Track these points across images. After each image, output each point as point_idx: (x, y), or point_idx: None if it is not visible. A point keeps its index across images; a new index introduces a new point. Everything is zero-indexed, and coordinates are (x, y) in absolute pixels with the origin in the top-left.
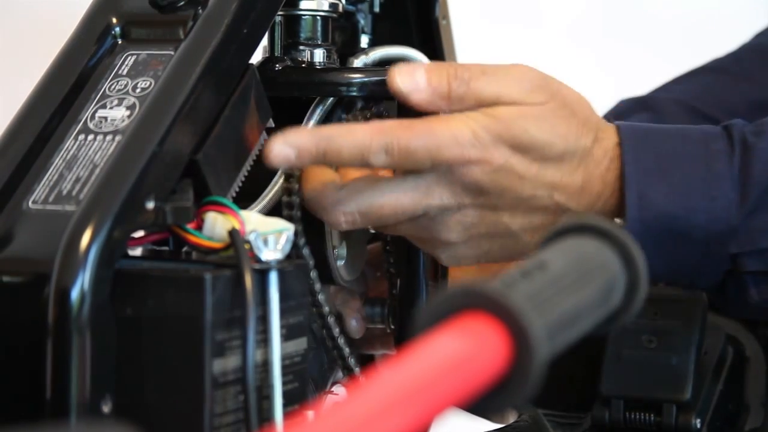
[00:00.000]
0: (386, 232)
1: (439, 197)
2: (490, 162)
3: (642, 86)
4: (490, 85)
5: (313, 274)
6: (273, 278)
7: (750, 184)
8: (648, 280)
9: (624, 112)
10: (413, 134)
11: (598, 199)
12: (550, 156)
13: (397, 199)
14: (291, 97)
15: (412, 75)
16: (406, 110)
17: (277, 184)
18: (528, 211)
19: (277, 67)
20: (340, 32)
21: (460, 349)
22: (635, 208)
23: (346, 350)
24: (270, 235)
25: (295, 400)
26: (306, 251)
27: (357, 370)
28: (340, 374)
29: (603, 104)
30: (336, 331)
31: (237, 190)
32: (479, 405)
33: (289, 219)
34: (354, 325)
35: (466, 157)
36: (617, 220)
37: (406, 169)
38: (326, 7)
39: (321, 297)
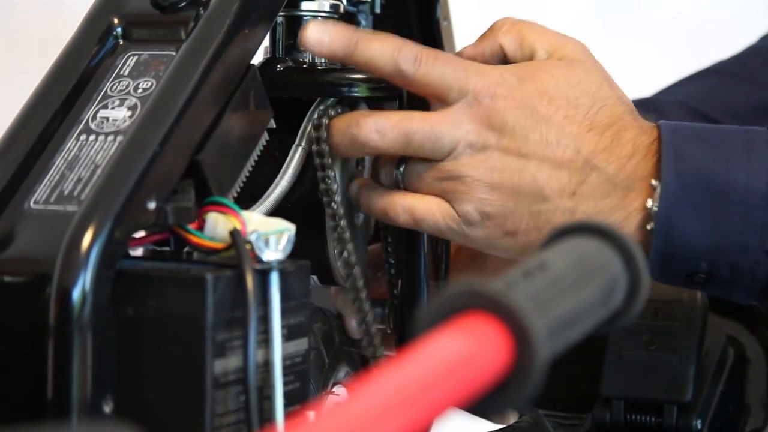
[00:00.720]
0: (412, 184)
1: (465, 131)
2: (515, 98)
3: (643, 86)
4: (532, 30)
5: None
6: (274, 278)
7: None
8: (650, 281)
9: None
10: (443, 55)
11: (629, 160)
12: (578, 107)
13: (427, 122)
14: (292, 98)
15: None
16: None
17: (279, 185)
18: (554, 163)
19: (279, 67)
20: None
21: (460, 350)
22: (672, 162)
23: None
24: (271, 236)
25: (296, 400)
26: (337, 198)
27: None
28: (341, 374)
29: None
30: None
31: (238, 190)
32: (480, 405)
33: (322, 167)
34: (354, 325)
35: (491, 90)
36: (653, 182)
37: (433, 88)
38: (327, 8)
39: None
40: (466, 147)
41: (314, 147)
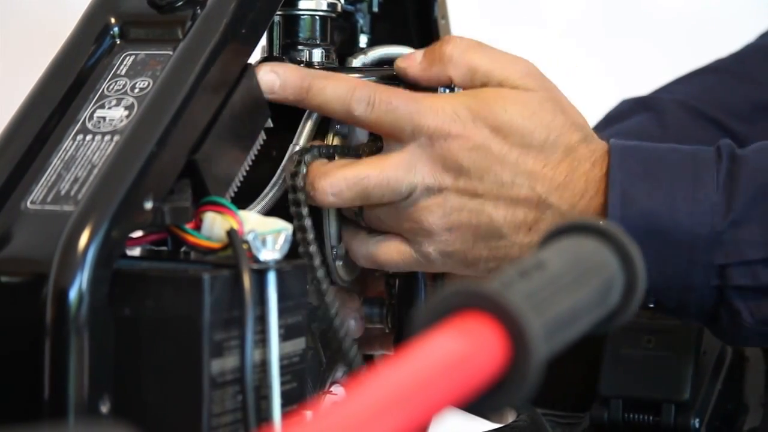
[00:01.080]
0: (373, 225)
1: (421, 175)
2: (469, 138)
3: (643, 85)
4: (483, 59)
5: (321, 273)
6: (271, 278)
7: (736, 193)
8: (646, 280)
9: (625, 111)
10: (396, 94)
11: (582, 198)
12: (532, 143)
13: (382, 171)
14: None
15: (410, 55)
16: None
17: (277, 184)
18: (510, 202)
19: None
20: (339, 32)
21: (458, 349)
22: (618, 205)
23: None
24: (268, 235)
25: (293, 400)
26: (313, 248)
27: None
28: (338, 374)
29: (604, 103)
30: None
31: (235, 190)
32: (477, 405)
33: (298, 216)
34: (352, 325)
35: (445, 130)
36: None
37: (386, 130)
38: (325, 7)
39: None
40: (423, 190)
41: (290, 195)
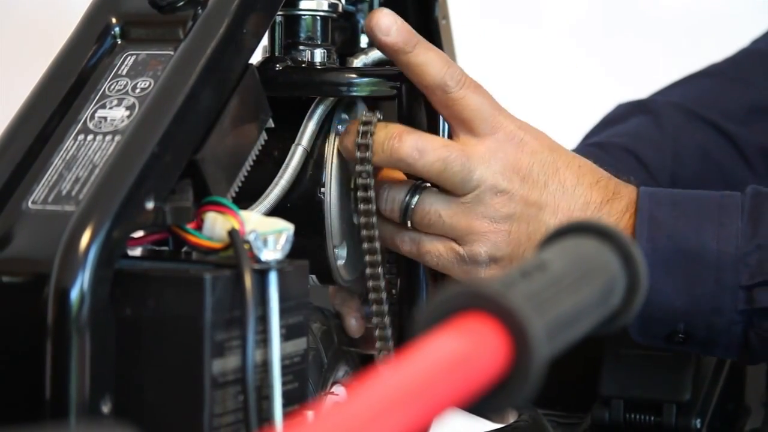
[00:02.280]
0: (423, 225)
1: (493, 170)
2: (541, 144)
3: (643, 85)
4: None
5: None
6: (272, 278)
7: (760, 220)
8: (647, 282)
9: (622, 114)
10: (483, 89)
11: (623, 216)
12: (587, 161)
13: (466, 156)
14: (291, 97)
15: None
16: (406, 113)
17: (278, 184)
18: (566, 213)
19: (277, 67)
20: (340, 32)
21: (459, 350)
22: (645, 228)
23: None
24: (269, 235)
25: (294, 400)
26: (374, 219)
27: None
28: (340, 374)
29: (603, 104)
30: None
31: (237, 190)
32: (479, 405)
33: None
34: (353, 324)
35: (521, 134)
36: None
37: (468, 114)
38: (326, 7)
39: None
40: (490, 187)
41: (358, 167)
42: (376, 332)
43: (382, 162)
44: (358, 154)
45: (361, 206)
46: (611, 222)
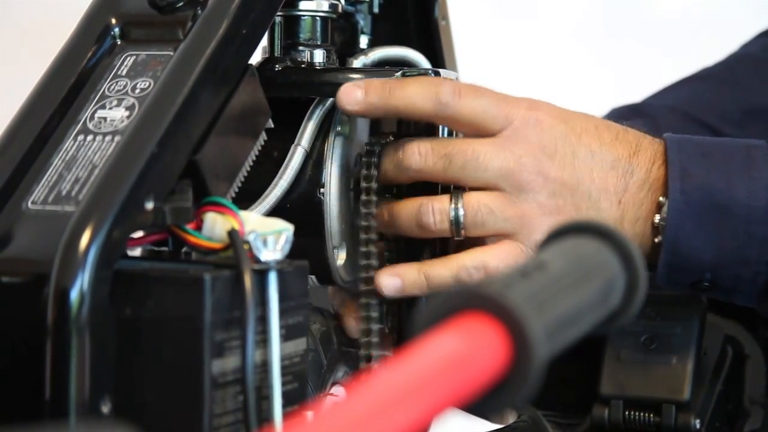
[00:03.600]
0: (477, 228)
1: (517, 155)
2: (556, 118)
3: (643, 85)
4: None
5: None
6: (272, 279)
7: None
8: (647, 281)
9: (617, 118)
10: (480, 88)
11: (653, 166)
12: (602, 120)
13: (469, 146)
14: (290, 98)
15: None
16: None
17: (277, 185)
18: (602, 169)
19: (277, 67)
20: (340, 33)
21: (459, 350)
22: (677, 180)
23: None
24: (269, 236)
25: (294, 400)
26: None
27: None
28: (339, 374)
29: (605, 103)
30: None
31: (236, 190)
32: (478, 405)
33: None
34: (353, 325)
35: (534, 115)
36: (661, 198)
37: (477, 119)
38: (326, 8)
39: None
40: (526, 170)
41: (363, 183)
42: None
43: (394, 176)
44: (363, 184)
45: (363, 236)
46: (642, 174)
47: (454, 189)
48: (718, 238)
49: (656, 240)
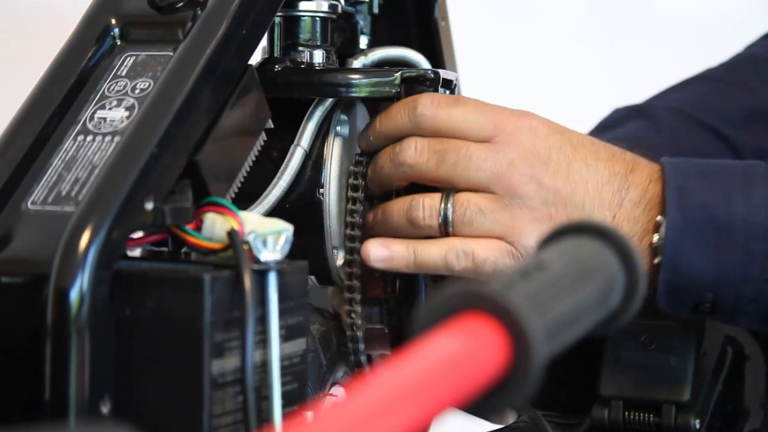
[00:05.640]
0: (464, 227)
1: (510, 158)
2: (549, 127)
3: (644, 85)
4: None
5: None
6: (272, 279)
7: None
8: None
9: (619, 119)
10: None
11: (649, 185)
12: (598, 140)
13: (465, 146)
14: (290, 98)
15: None
16: None
17: (277, 185)
18: (596, 186)
19: (277, 68)
20: (339, 33)
21: (458, 350)
22: (675, 198)
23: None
24: (269, 236)
25: (294, 400)
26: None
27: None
28: (339, 375)
29: (606, 103)
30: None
31: (236, 190)
32: (478, 405)
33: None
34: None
35: (526, 123)
36: (658, 218)
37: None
38: (325, 8)
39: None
40: (518, 173)
41: (350, 193)
42: (348, 332)
43: (389, 175)
44: (349, 193)
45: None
46: (638, 192)
47: (447, 191)
48: (719, 256)
49: (655, 261)
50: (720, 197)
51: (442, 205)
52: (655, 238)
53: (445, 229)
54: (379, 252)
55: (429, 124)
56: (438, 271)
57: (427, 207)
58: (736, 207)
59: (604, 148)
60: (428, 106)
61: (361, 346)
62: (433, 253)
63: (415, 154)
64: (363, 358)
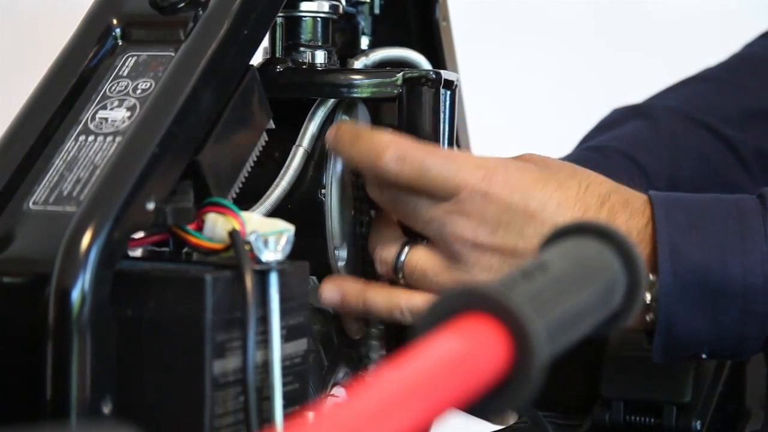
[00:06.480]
0: (414, 280)
1: (460, 227)
2: (510, 187)
3: (635, 89)
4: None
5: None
6: (273, 279)
7: None
8: (648, 282)
9: (618, 119)
10: (429, 152)
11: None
12: (568, 192)
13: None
14: (292, 99)
15: None
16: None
17: (278, 185)
18: None
19: (278, 68)
20: (341, 34)
21: (460, 350)
22: (668, 261)
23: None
24: (270, 236)
25: (295, 401)
26: None
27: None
28: (340, 375)
29: (597, 108)
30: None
31: (237, 191)
32: (479, 406)
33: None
34: (353, 326)
35: (483, 186)
36: (651, 277)
37: (419, 186)
38: (327, 9)
39: None
40: (461, 241)
41: (355, 191)
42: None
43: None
44: (356, 192)
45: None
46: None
47: (407, 240)
48: (715, 318)
49: (648, 318)
50: (715, 259)
51: (397, 258)
52: (648, 297)
53: (397, 278)
54: (331, 295)
55: (390, 179)
56: (385, 320)
57: (383, 259)
58: (732, 268)
59: (581, 201)
60: (393, 162)
61: (363, 347)
62: (380, 304)
63: (377, 191)
64: (364, 359)
